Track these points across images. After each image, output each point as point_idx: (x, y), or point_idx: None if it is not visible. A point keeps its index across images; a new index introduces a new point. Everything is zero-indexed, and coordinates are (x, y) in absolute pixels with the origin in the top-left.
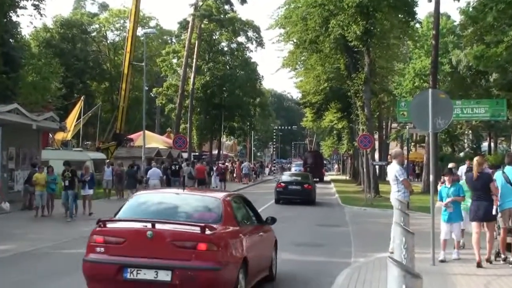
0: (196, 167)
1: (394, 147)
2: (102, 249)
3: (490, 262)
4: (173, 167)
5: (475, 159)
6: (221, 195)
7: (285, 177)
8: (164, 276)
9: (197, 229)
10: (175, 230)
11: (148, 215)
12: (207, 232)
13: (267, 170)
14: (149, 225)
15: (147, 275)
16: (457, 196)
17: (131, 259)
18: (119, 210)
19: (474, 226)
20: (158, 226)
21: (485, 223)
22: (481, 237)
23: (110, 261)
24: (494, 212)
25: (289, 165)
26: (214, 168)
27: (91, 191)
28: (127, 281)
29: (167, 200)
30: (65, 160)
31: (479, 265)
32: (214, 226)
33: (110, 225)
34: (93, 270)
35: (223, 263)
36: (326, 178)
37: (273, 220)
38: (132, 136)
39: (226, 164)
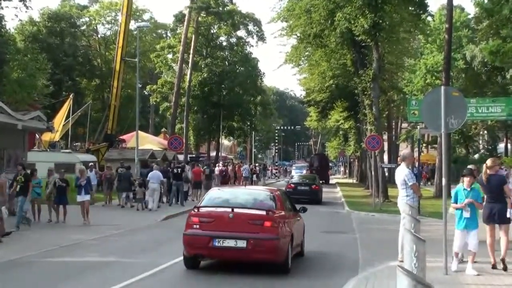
0: (193, 170)
1: (404, 149)
2: (198, 226)
3: (505, 266)
4: (175, 170)
5: (487, 161)
6: (273, 190)
7: (295, 179)
8: (241, 243)
9: (263, 212)
10: (248, 213)
11: (226, 203)
12: (270, 214)
13: (268, 173)
14: (229, 210)
15: (230, 243)
16: (476, 201)
17: (218, 232)
18: (202, 201)
19: (488, 229)
20: (236, 210)
21: (499, 226)
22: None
23: (204, 234)
24: (508, 215)
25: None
26: (217, 171)
27: (88, 197)
28: (216, 248)
29: (236, 193)
30: (19, 162)
31: (494, 266)
32: (274, 210)
33: (202, 210)
34: (191, 240)
35: (280, 235)
36: (331, 181)
37: (304, 209)
38: (124, 137)
39: (228, 167)
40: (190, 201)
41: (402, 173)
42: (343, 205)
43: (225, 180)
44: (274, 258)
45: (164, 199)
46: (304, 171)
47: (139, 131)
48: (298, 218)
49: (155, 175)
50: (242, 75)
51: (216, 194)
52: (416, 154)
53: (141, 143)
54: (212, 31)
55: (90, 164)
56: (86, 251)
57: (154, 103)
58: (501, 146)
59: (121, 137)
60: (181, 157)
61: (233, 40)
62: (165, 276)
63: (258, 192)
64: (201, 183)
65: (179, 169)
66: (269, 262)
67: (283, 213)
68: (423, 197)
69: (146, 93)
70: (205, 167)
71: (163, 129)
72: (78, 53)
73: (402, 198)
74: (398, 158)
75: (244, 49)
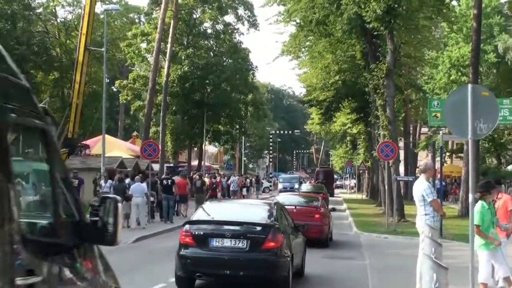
0: (177, 181)
1: (423, 158)
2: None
3: None
4: (164, 182)
5: None
6: (317, 196)
7: (304, 188)
8: (302, 228)
9: (314, 208)
10: (307, 208)
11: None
12: (318, 210)
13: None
14: (293, 207)
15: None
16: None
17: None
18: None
19: None
20: (298, 207)
21: None
22: None
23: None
24: None
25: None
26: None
27: None
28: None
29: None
30: None
31: None
32: (320, 207)
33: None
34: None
35: (325, 223)
36: (337, 198)
37: (333, 209)
38: (88, 141)
39: (215, 179)
40: (178, 217)
41: (420, 187)
42: (350, 225)
43: (214, 192)
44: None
45: (157, 215)
46: (296, 185)
47: (106, 135)
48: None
49: (138, 188)
50: (230, 69)
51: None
52: (437, 165)
53: (108, 150)
54: (194, 16)
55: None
56: None
57: (125, 101)
58: None
59: (84, 142)
60: (156, 167)
61: (220, 27)
62: None
63: (310, 196)
64: (186, 197)
65: (168, 181)
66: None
67: (323, 209)
68: (446, 217)
69: (114, 89)
70: (197, 177)
71: (134, 133)
72: (33, 41)
73: (421, 217)
74: (417, 169)
75: (233, 38)
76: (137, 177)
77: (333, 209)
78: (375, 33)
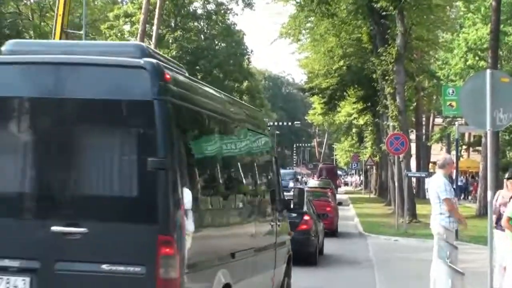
0: None
1: (437, 152)
2: None
3: None
4: None
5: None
6: (326, 191)
7: (311, 183)
8: (322, 216)
9: (326, 202)
10: (320, 201)
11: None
12: (330, 203)
13: None
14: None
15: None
16: None
17: None
18: None
19: None
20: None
21: None
22: None
23: None
24: None
25: None
26: None
27: None
28: None
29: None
30: None
31: None
32: (331, 202)
33: None
34: None
35: (335, 215)
36: (342, 197)
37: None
38: None
39: None
40: None
41: (436, 183)
42: (356, 226)
43: None
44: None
45: None
46: (291, 183)
47: None
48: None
49: None
50: (223, 53)
51: None
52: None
53: None
54: None
55: None
56: None
57: None
58: None
59: None
60: None
61: (211, 6)
62: None
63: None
64: None
65: None
66: None
67: (333, 204)
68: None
69: None
70: None
71: None
72: (4, 23)
73: (435, 217)
74: (430, 164)
75: (226, 19)
76: None
77: (340, 203)
78: (384, 13)
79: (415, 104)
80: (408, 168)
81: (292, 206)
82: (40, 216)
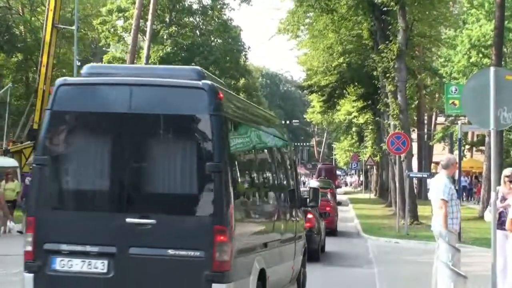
0: None
1: (440, 152)
2: None
3: None
4: None
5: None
6: (326, 191)
7: (312, 184)
8: (324, 215)
9: (326, 201)
10: (322, 202)
11: None
12: (330, 203)
13: None
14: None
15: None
16: None
17: None
18: None
19: None
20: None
21: None
22: None
23: None
24: None
25: None
26: None
27: None
28: None
29: None
30: None
31: None
32: (331, 201)
33: None
34: None
35: (335, 214)
36: (342, 197)
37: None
38: None
39: None
40: None
41: (438, 184)
42: (356, 228)
43: None
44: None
45: None
46: None
47: None
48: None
49: None
50: (219, 50)
51: None
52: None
53: None
54: None
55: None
56: None
57: None
58: None
59: None
60: None
61: (207, 1)
62: None
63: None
64: None
65: None
66: None
67: (333, 203)
68: (464, 219)
69: None
70: None
71: None
72: None
73: (437, 218)
74: (432, 164)
75: (222, 14)
76: None
77: (339, 203)
78: (385, 8)
79: (416, 102)
80: (409, 168)
81: (308, 203)
82: (117, 210)
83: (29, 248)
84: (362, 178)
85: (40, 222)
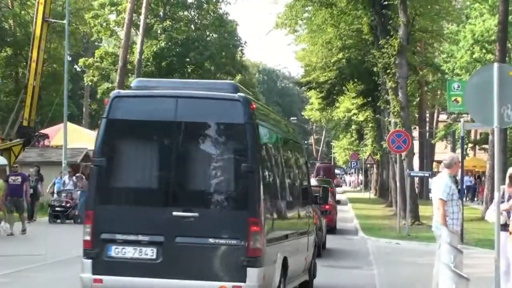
0: None
1: (442, 151)
2: None
3: None
4: None
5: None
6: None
7: (312, 183)
8: (325, 212)
9: (329, 202)
10: None
11: None
12: (329, 202)
13: None
14: None
15: None
16: None
17: None
18: None
19: None
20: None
21: None
22: None
23: None
24: None
25: None
26: None
27: None
28: None
29: None
30: None
31: None
32: (331, 201)
33: None
34: None
35: (334, 212)
36: (341, 196)
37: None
38: (46, 130)
39: None
40: None
41: (439, 183)
42: (356, 229)
43: None
44: None
45: None
46: None
47: (68, 123)
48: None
49: None
50: (214, 45)
51: None
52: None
53: (71, 140)
54: None
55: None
56: None
57: (90, 83)
58: None
59: (42, 131)
60: None
61: None
62: None
63: None
64: None
65: None
66: None
67: (332, 202)
68: (467, 219)
69: (78, 69)
70: None
71: None
72: None
73: (437, 218)
74: (434, 163)
75: (218, 8)
76: None
77: (338, 202)
78: (385, 2)
79: (418, 99)
80: (410, 167)
81: (318, 200)
82: (164, 205)
83: (88, 237)
84: (361, 177)
85: (98, 215)
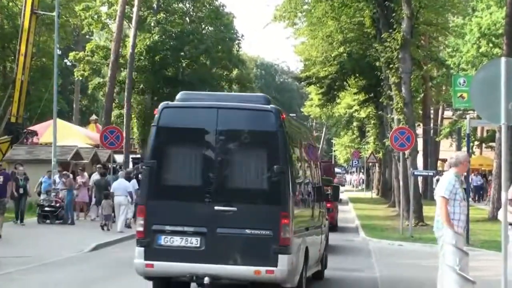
0: None
1: (447, 149)
2: None
3: None
4: (140, 176)
5: None
6: (327, 188)
7: None
8: (328, 210)
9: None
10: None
11: None
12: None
13: None
14: None
15: None
16: None
17: None
18: None
19: None
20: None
21: None
22: None
23: None
24: None
25: None
26: None
27: None
28: None
29: None
30: None
31: None
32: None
33: None
34: None
35: (336, 211)
36: (342, 196)
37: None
38: (35, 127)
39: None
40: None
41: (442, 181)
42: (357, 230)
43: None
44: None
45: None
46: None
47: (58, 120)
48: None
49: (120, 186)
50: (210, 38)
51: None
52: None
53: (61, 137)
54: None
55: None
56: None
57: (81, 78)
58: None
59: (31, 127)
60: (119, 158)
61: None
62: None
63: None
64: None
65: None
66: None
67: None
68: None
69: (68, 63)
70: None
71: (93, 117)
72: None
73: (438, 218)
74: (439, 161)
75: (214, 0)
76: (120, 172)
77: (340, 200)
78: None
79: (422, 95)
80: (414, 165)
81: (329, 198)
82: (208, 200)
83: (141, 229)
84: (363, 176)
85: (149, 209)
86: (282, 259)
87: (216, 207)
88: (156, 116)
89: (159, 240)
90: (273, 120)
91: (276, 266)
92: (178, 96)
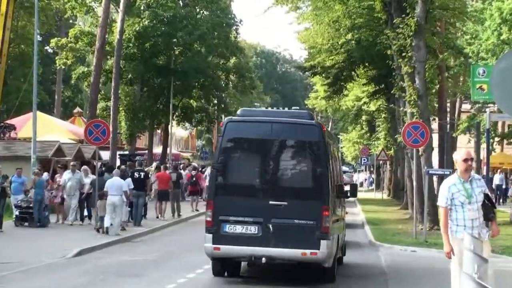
0: (157, 174)
1: (464, 145)
2: None
3: None
4: (136, 175)
5: None
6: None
7: None
8: None
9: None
10: None
11: None
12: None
13: None
14: None
15: None
16: None
17: None
18: None
19: None
20: None
21: None
22: None
23: None
24: None
25: None
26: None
27: None
28: None
29: None
30: None
31: None
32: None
33: None
34: None
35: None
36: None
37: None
38: (13, 120)
39: (195, 171)
40: (153, 219)
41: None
42: (366, 234)
43: (194, 188)
44: None
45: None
46: None
47: (39, 112)
48: None
49: (113, 185)
50: (205, 24)
51: None
52: (483, 154)
53: (41, 132)
54: None
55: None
56: None
57: (63, 66)
58: None
59: (8, 121)
60: (105, 155)
61: None
62: None
63: None
64: (167, 193)
65: (141, 174)
66: None
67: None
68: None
69: (50, 50)
70: (170, 170)
71: (77, 110)
72: None
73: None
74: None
75: None
76: (115, 170)
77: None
78: None
79: (437, 86)
80: (428, 164)
81: (349, 194)
82: (264, 196)
83: (209, 219)
84: (373, 175)
85: (216, 203)
86: (323, 244)
87: (270, 202)
88: (222, 128)
89: (224, 228)
90: (317, 132)
91: (318, 249)
92: (238, 112)
